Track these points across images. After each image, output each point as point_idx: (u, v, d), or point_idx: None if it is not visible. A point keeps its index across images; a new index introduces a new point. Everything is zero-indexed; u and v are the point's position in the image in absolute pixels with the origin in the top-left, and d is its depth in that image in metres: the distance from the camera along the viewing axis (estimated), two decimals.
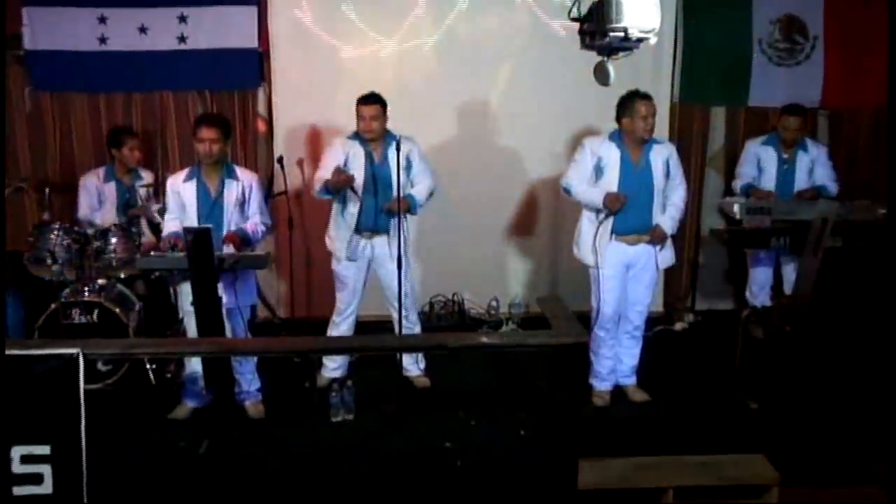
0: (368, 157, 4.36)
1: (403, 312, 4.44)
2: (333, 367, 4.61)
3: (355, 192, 4.33)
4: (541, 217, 5.67)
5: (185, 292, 4.01)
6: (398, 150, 4.16)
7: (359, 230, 4.40)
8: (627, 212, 4.11)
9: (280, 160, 5.10)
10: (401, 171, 4.23)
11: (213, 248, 3.71)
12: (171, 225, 4.09)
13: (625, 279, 4.25)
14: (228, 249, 3.96)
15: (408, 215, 4.44)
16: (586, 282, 4.34)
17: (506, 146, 5.57)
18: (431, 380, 4.65)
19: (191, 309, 3.87)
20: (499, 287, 5.69)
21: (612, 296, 4.22)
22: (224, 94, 5.36)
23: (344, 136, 4.46)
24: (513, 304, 5.63)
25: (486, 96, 5.51)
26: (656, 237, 4.18)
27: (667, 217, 4.20)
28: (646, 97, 4.09)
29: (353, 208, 4.37)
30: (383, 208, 4.33)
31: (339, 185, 4.28)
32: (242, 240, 4.01)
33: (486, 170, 5.56)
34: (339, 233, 4.45)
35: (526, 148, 5.56)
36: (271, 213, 4.66)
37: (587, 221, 4.25)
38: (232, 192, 4.07)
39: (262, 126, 5.45)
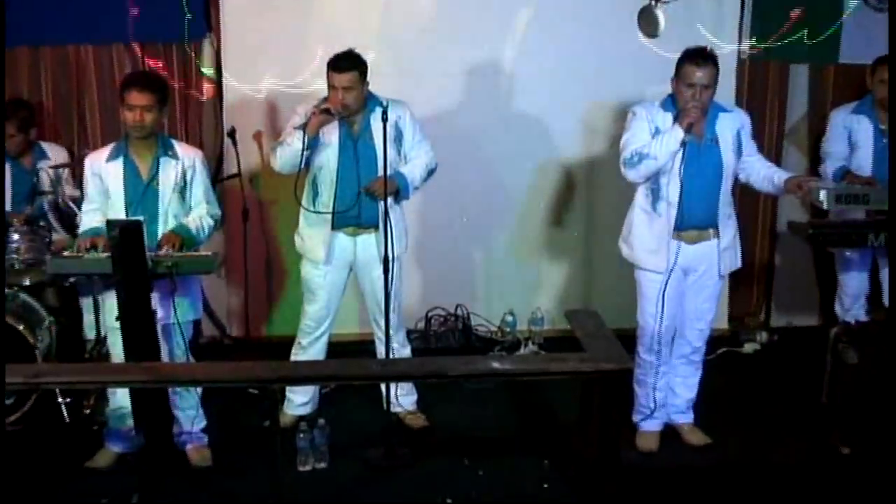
0: (344, 128, 4.33)
1: (390, 331, 4.42)
2: (301, 401, 4.61)
3: (343, 115, 4.22)
4: (569, 208, 5.67)
5: (110, 304, 4.00)
6: (384, 118, 4.13)
7: (337, 225, 4.38)
8: (688, 202, 4.09)
9: (232, 133, 5.08)
10: (388, 145, 4.20)
11: (144, 247, 3.70)
12: (90, 218, 4.08)
13: (681, 288, 4.24)
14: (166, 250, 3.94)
15: (398, 202, 4.40)
16: (629, 290, 4.33)
17: (524, 117, 5.56)
18: (428, 417, 4.64)
19: (116, 326, 3.85)
20: (515, 297, 5.68)
21: (665, 309, 4.21)
22: (159, 49, 5.35)
23: (310, 101, 4.40)
24: (533, 320, 5.62)
25: (499, 52, 5.50)
26: (801, 186, 4.15)
27: (781, 172, 4.22)
28: (703, 60, 4.01)
29: (326, 197, 4.35)
30: (362, 190, 4.29)
31: (321, 121, 4.18)
32: (185, 240, 3.99)
33: (498, 147, 5.56)
34: (313, 230, 4.41)
35: (551, 119, 5.55)
36: (221, 200, 4.64)
37: (641, 212, 4.22)
38: (169, 174, 4.05)
39: (208, 89, 5.45)
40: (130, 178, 4.03)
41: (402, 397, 4.62)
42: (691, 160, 4.08)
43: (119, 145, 4.09)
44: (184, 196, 4.09)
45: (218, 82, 5.41)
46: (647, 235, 4.20)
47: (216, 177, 5.13)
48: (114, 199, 4.03)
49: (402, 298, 4.61)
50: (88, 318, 4.88)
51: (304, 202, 4.43)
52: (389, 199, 4.28)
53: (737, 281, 5.60)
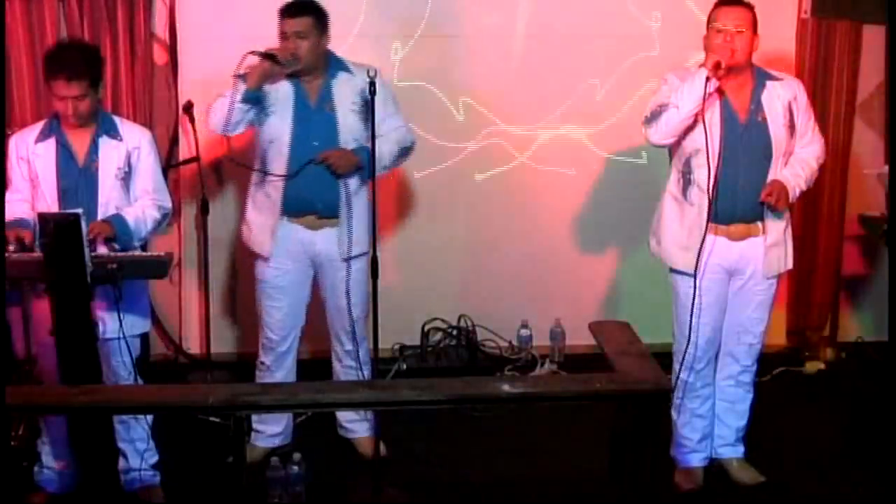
0: (301, 95, 4.33)
1: (349, 347, 4.49)
2: (273, 431, 4.63)
3: (293, 68, 4.24)
4: (593, 201, 5.68)
5: (41, 315, 4.00)
6: (372, 92, 4.12)
7: (291, 212, 4.39)
8: (728, 190, 4.11)
9: (188, 108, 5.09)
10: (353, 116, 4.27)
11: (83, 246, 3.70)
12: (16, 208, 4.07)
13: (726, 294, 4.26)
14: (105, 248, 3.95)
15: (364, 183, 4.38)
16: (667, 297, 4.34)
17: (536, 91, 5.58)
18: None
19: (49, 341, 3.85)
20: (529, 307, 5.70)
21: (707, 319, 4.22)
22: (99, 4, 5.34)
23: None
24: (552, 334, 5.64)
25: (508, 16, 5.52)
26: (774, 195, 4.09)
27: (788, 174, 4.16)
28: (733, 1, 4.06)
29: (276, 177, 4.35)
30: (316, 160, 4.27)
31: (264, 70, 4.21)
32: (117, 232, 3.97)
33: (505, 128, 5.57)
34: (259, 216, 4.45)
35: (568, 93, 5.57)
36: (172, 190, 4.65)
37: (671, 198, 4.25)
38: (110, 157, 4.06)
39: (160, 56, 5.45)
40: (63, 162, 4.04)
41: (355, 422, 4.66)
42: (733, 137, 4.10)
43: (50, 123, 4.09)
44: (128, 184, 4.10)
45: (172, 47, 5.42)
46: (677, 228, 4.21)
47: (169, 161, 5.13)
48: (45, 188, 4.03)
49: (368, 307, 4.56)
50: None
51: (251, 184, 4.47)
52: (354, 182, 4.32)
53: (797, 287, 5.60)
